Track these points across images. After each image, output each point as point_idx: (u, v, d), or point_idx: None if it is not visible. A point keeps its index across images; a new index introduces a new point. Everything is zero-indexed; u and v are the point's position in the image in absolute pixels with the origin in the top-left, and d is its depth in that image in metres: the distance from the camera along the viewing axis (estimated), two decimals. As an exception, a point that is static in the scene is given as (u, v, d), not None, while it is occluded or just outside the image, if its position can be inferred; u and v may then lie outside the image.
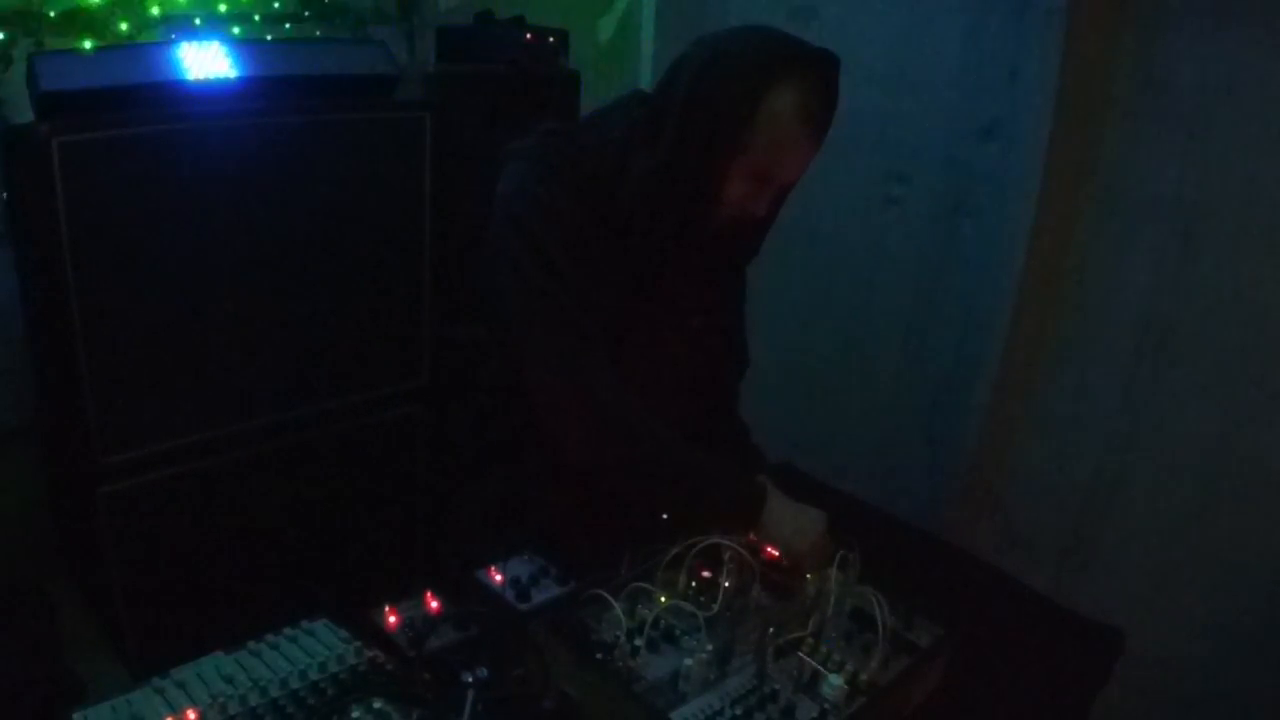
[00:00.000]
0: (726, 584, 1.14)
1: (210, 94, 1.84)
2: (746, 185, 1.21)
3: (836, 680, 1.01)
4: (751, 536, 1.23)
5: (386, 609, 1.13)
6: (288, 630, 1.05)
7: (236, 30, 2.20)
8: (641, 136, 1.22)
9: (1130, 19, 1.93)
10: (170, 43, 2.09)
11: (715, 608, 1.10)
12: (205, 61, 1.84)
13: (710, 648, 1.03)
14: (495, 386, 1.38)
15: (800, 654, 1.07)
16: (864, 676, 1.04)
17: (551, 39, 2.37)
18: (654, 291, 1.31)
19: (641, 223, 1.24)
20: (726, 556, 1.14)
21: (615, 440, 1.23)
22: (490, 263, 1.27)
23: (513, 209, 1.24)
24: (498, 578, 1.24)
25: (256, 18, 2.24)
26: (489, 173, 1.27)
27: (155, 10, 2.02)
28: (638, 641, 1.04)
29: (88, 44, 1.88)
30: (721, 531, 1.17)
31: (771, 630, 1.08)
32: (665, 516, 1.27)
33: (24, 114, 1.83)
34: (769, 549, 1.23)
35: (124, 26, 1.94)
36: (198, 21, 2.15)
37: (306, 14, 2.33)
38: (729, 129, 1.16)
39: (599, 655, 1.03)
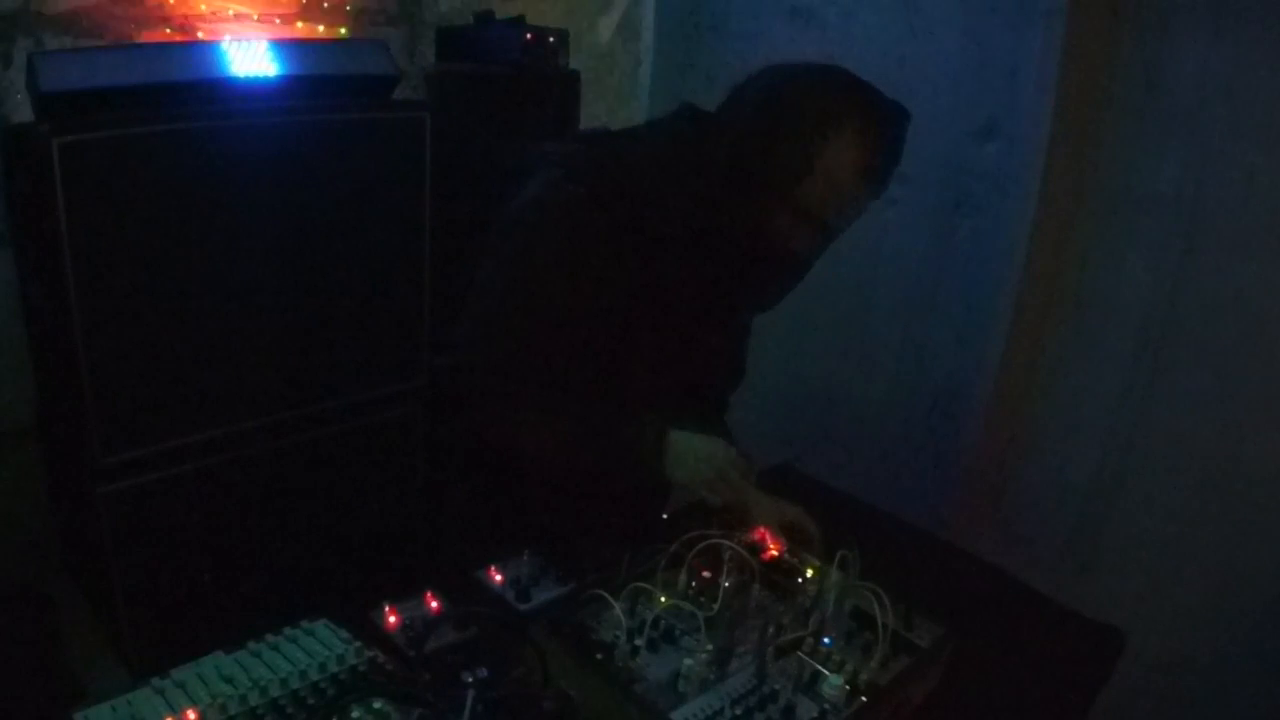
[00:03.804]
0: (726, 584, 1.14)
1: (210, 94, 1.84)
2: (790, 221, 1.19)
3: (836, 680, 1.01)
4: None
5: (386, 609, 1.13)
6: (288, 630, 1.05)
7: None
8: (687, 157, 1.20)
9: (1130, 19, 1.93)
10: (170, 43, 2.09)
11: (715, 608, 1.09)
12: (205, 62, 1.84)
13: (710, 648, 1.03)
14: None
15: (800, 654, 1.07)
16: (864, 676, 1.03)
17: (551, 39, 2.37)
18: (674, 308, 1.30)
19: (674, 244, 1.23)
20: (726, 556, 1.14)
21: (511, 416, 1.26)
22: (490, 256, 1.26)
23: (526, 214, 1.23)
24: (498, 578, 1.24)
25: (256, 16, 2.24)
26: (488, 173, 1.26)
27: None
28: (638, 641, 1.04)
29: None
30: (717, 524, 1.17)
31: (771, 630, 1.08)
32: (665, 516, 1.27)
33: (24, 114, 1.84)
34: (769, 551, 1.23)
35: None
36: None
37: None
38: (782, 176, 1.14)
39: (599, 655, 1.03)
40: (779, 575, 1.21)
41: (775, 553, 1.23)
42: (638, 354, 1.29)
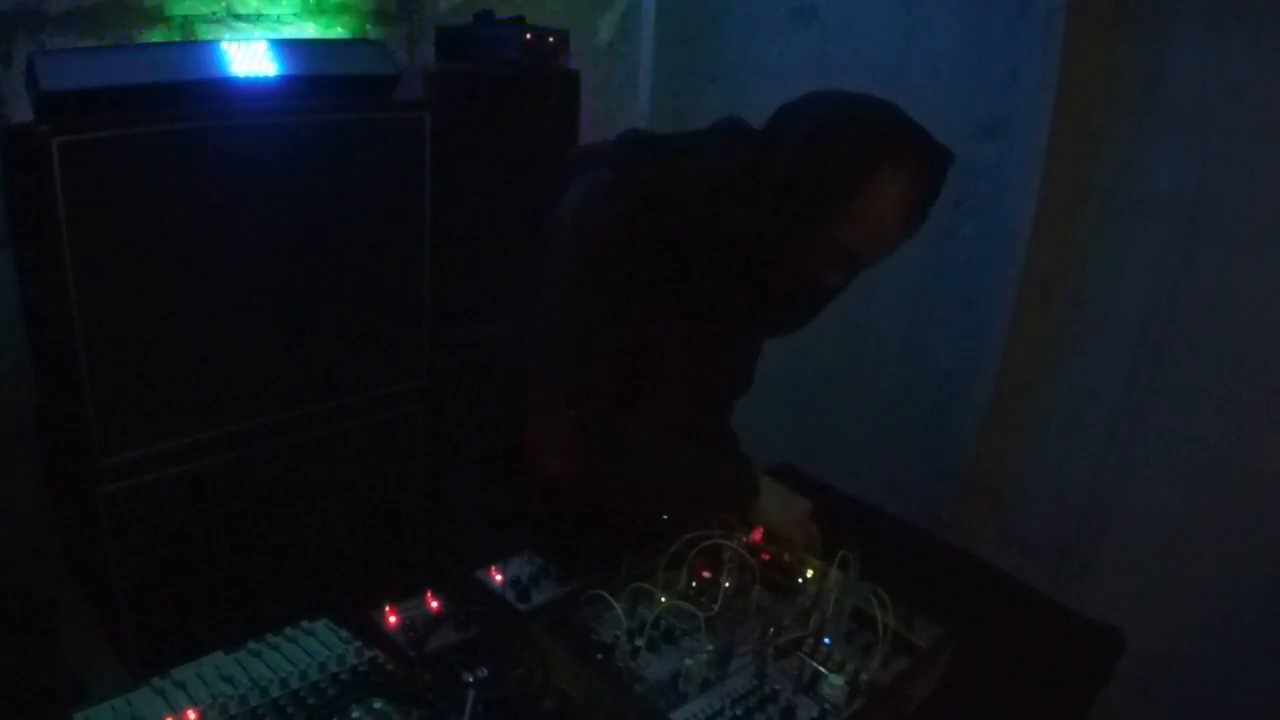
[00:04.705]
0: (726, 584, 1.14)
1: (210, 94, 1.84)
2: (826, 255, 1.20)
3: (836, 680, 1.01)
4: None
5: (386, 609, 1.13)
6: (288, 630, 1.05)
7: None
8: (740, 187, 1.21)
9: (1130, 19, 1.93)
10: (170, 43, 2.09)
11: (715, 608, 1.10)
12: (205, 62, 1.84)
13: (710, 648, 1.03)
14: (508, 385, 1.38)
15: (800, 654, 1.07)
16: (864, 676, 1.04)
17: (551, 39, 2.37)
18: (699, 322, 1.32)
19: (714, 269, 1.24)
20: (726, 556, 1.14)
21: (599, 458, 1.23)
22: (540, 258, 1.26)
23: (586, 216, 1.22)
24: (498, 578, 1.24)
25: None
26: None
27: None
28: (638, 641, 1.04)
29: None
30: (717, 524, 1.18)
31: (771, 630, 1.08)
32: (665, 517, 1.28)
33: (24, 114, 1.84)
34: (767, 550, 1.24)
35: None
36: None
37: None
38: (828, 207, 1.16)
39: (599, 655, 1.03)
40: (779, 575, 1.21)
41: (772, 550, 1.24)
42: (656, 361, 1.30)
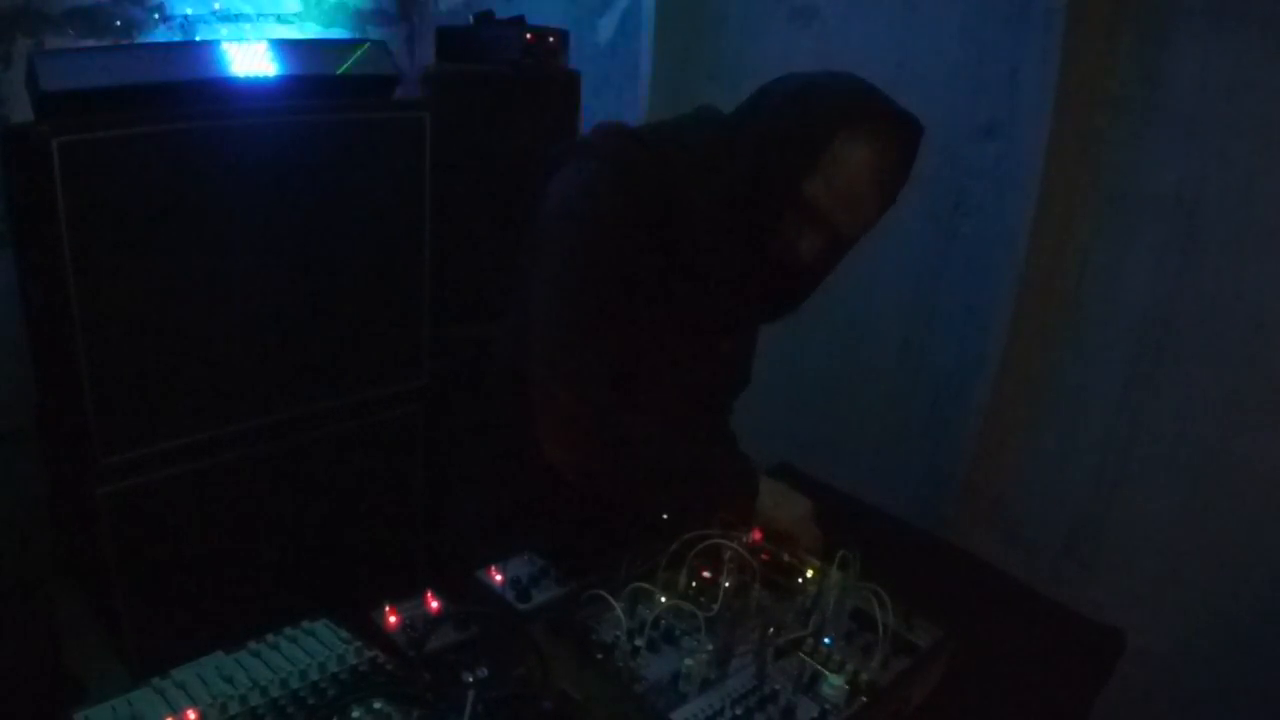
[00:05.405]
0: (726, 584, 1.14)
1: (210, 94, 1.84)
2: (800, 224, 1.20)
3: (836, 680, 1.01)
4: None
5: (386, 609, 1.13)
6: (288, 630, 1.05)
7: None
8: (715, 160, 1.22)
9: (1130, 19, 1.93)
10: (170, 43, 2.10)
11: (715, 608, 1.10)
12: (205, 62, 1.84)
13: (710, 648, 1.03)
14: (504, 385, 1.38)
15: (800, 654, 1.07)
16: (864, 676, 1.04)
17: (551, 39, 2.37)
18: (693, 313, 1.32)
19: (700, 248, 1.25)
20: (726, 556, 1.14)
21: (605, 447, 1.23)
22: (532, 252, 1.26)
23: (578, 206, 1.23)
24: (498, 578, 1.24)
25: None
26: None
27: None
28: (638, 641, 1.04)
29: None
30: (719, 523, 1.18)
31: (771, 630, 1.08)
32: (665, 517, 1.28)
33: (24, 114, 1.84)
34: (767, 550, 1.23)
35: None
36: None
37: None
38: (795, 162, 1.16)
39: (599, 655, 1.03)
40: (779, 575, 1.21)
41: (772, 550, 1.24)
42: (655, 357, 1.30)
